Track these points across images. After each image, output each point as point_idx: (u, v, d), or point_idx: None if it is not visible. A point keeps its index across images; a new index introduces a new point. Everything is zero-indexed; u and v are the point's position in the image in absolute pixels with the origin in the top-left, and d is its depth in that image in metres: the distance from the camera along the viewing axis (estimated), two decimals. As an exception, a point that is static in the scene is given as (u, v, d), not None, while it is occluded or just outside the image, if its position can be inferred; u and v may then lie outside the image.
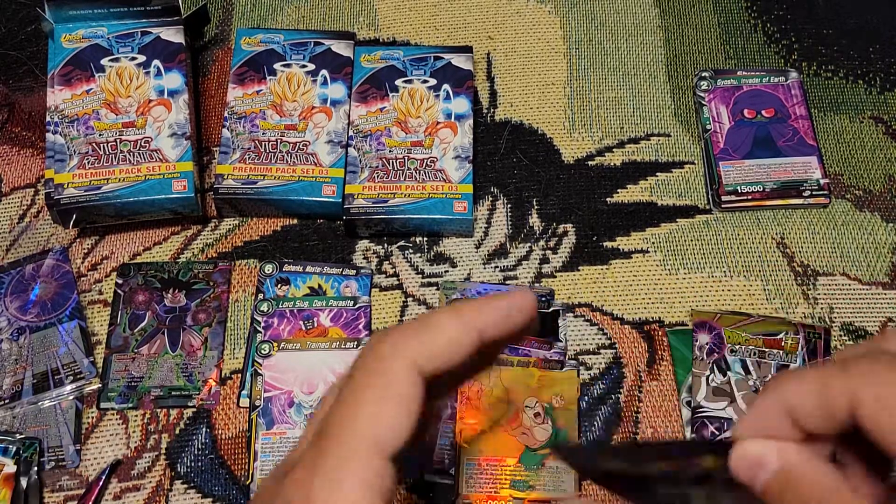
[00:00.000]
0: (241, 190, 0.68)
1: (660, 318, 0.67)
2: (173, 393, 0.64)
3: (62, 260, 0.68)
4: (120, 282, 0.68)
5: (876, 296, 0.68)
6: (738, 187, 0.70)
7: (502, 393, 0.63)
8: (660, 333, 0.66)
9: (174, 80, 0.70)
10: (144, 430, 0.63)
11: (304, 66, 0.73)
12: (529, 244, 0.70)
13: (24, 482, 0.59)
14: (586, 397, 0.64)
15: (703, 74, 0.75)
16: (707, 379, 0.63)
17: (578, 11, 0.81)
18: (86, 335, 0.65)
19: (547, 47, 0.79)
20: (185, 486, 0.61)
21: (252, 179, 0.68)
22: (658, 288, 0.68)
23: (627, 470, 0.30)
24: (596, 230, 0.71)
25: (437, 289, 0.68)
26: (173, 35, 0.71)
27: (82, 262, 0.69)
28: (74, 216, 0.66)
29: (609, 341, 0.66)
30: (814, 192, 0.70)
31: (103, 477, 0.61)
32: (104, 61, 0.70)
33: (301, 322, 0.66)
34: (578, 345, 0.66)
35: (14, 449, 0.59)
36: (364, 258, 0.69)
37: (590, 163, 0.74)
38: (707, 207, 0.72)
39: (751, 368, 0.63)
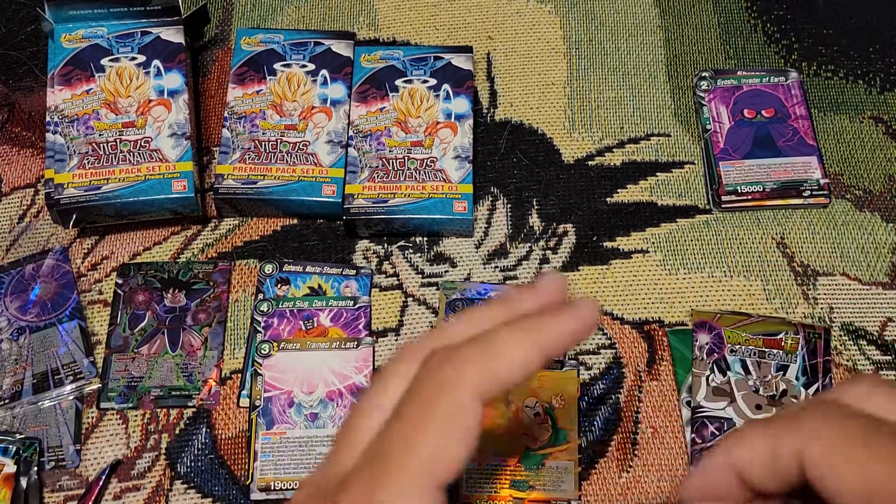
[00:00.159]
0: (241, 190, 0.68)
1: (660, 318, 0.67)
2: (173, 393, 0.64)
3: (62, 260, 0.68)
4: (120, 282, 0.68)
5: (876, 296, 0.68)
6: (738, 187, 0.70)
7: (502, 393, 0.63)
8: (660, 333, 0.66)
9: (174, 80, 0.70)
10: (144, 430, 0.63)
11: (304, 66, 0.73)
12: (529, 244, 0.70)
13: (24, 482, 0.59)
14: (586, 397, 0.64)
15: (703, 74, 0.75)
16: (707, 379, 0.63)
17: (578, 11, 0.81)
18: (86, 335, 0.65)
19: (547, 47, 0.79)
20: (185, 486, 0.61)
21: (252, 179, 0.68)
22: (658, 288, 0.68)
23: None
24: (596, 230, 0.71)
25: (437, 289, 0.68)
26: (173, 35, 0.71)
27: (82, 262, 0.69)
28: (74, 216, 0.66)
29: (609, 341, 0.66)
30: (814, 192, 0.70)
31: (103, 477, 0.61)
32: (104, 61, 0.70)
33: (301, 322, 0.66)
34: (578, 345, 0.66)
35: (14, 449, 0.59)
36: (364, 258, 0.69)
37: (590, 163, 0.74)
38: (707, 207, 0.72)
39: (751, 368, 0.63)
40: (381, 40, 0.79)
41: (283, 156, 0.69)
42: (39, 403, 0.63)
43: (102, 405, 0.63)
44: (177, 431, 0.63)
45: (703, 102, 0.74)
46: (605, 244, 0.70)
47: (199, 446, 0.63)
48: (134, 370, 0.64)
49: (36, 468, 0.60)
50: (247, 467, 0.61)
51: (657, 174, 0.73)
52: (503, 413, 0.62)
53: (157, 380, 0.64)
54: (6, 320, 0.66)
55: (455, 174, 0.69)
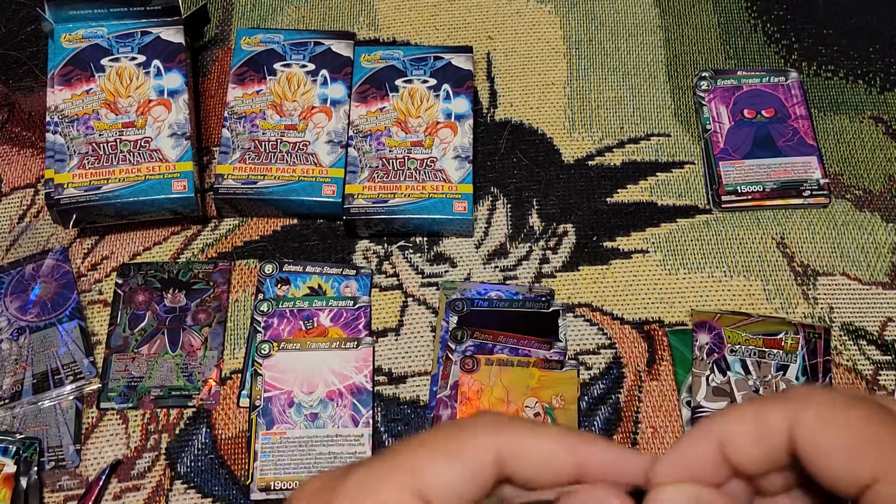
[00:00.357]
0: (241, 190, 0.68)
1: (660, 318, 0.67)
2: (173, 393, 0.64)
3: (62, 260, 0.68)
4: (120, 282, 0.68)
5: (876, 296, 0.68)
6: (738, 187, 0.70)
7: (502, 393, 0.63)
8: (660, 333, 0.66)
9: (174, 80, 0.70)
10: (144, 430, 0.63)
11: (304, 66, 0.73)
12: (529, 244, 0.70)
13: (24, 482, 0.59)
14: (586, 397, 0.64)
15: (703, 74, 0.75)
16: (707, 379, 0.63)
17: (578, 11, 0.81)
18: (86, 335, 0.65)
19: (547, 47, 0.79)
20: (185, 486, 0.61)
21: (252, 179, 0.68)
22: (658, 288, 0.68)
23: None
24: (596, 230, 0.71)
25: (437, 289, 0.68)
26: (173, 35, 0.71)
27: (82, 262, 0.69)
28: (74, 216, 0.66)
29: (609, 341, 0.66)
30: (814, 192, 0.70)
31: (103, 477, 0.61)
32: (104, 61, 0.70)
33: (301, 322, 0.66)
34: (578, 345, 0.66)
35: (14, 449, 0.59)
36: (364, 258, 0.69)
37: (590, 163, 0.74)
38: (707, 207, 0.72)
39: (751, 368, 0.63)
40: (381, 40, 0.79)
41: (283, 156, 0.69)
42: (39, 403, 0.63)
43: (102, 405, 0.63)
44: (177, 431, 0.63)
45: (703, 102, 0.74)
46: (605, 244, 0.70)
47: (199, 446, 0.62)
48: (134, 370, 0.64)
49: (36, 468, 0.60)
50: (247, 467, 0.61)
51: (657, 174, 0.73)
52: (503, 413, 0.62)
53: (157, 380, 0.64)
54: (6, 320, 0.66)
55: (455, 174, 0.69)
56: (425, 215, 0.67)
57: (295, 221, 0.71)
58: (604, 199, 0.72)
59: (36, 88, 0.76)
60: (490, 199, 0.72)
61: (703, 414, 0.62)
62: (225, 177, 0.68)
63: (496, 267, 0.69)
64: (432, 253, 0.70)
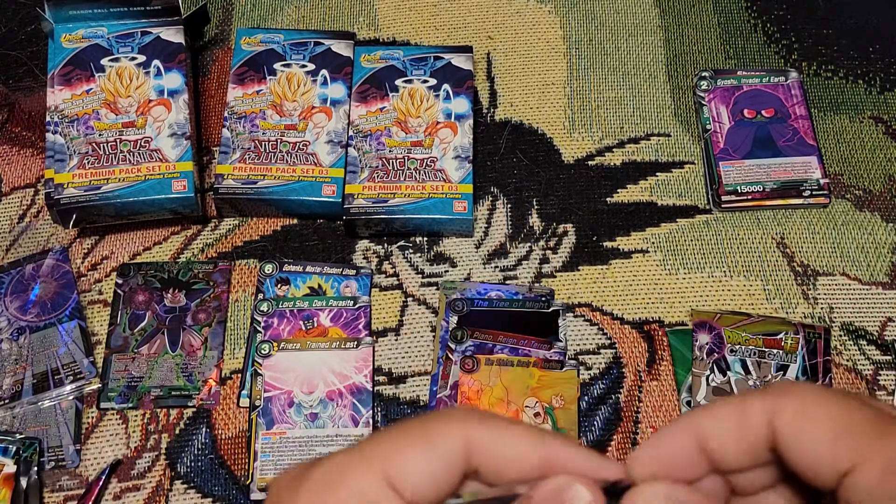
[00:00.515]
0: (241, 190, 0.68)
1: (660, 318, 0.67)
2: (173, 393, 0.64)
3: (62, 260, 0.68)
4: (120, 282, 0.68)
5: (876, 296, 0.68)
6: (738, 187, 0.70)
7: (502, 393, 0.63)
8: (660, 333, 0.66)
9: (174, 80, 0.70)
10: (144, 430, 0.63)
11: (304, 66, 0.73)
12: (529, 244, 0.70)
13: (24, 482, 0.59)
14: (586, 397, 0.64)
15: (703, 74, 0.75)
16: (707, 379, 0.63)
17: (578, 11, 0.81)
18: (86, 335, 0.65)
19: (547, 47, 0.79)
20: (185, 486, 0.61)
21: (252, 179, 0.68)
22: (658, 288, 0.68)
23: None
24: (596, 230, 0.71)
25: (437, 289, 0.68)
26: (173, 35, 0.71)
27: (82, 262, 0.69)
28: (74, 216, 0.66)
29: (609, 341, 0.66)
30: (814, 192, 0.70)
31: (103, 477, 0.61)
32: (104, 61, 0.70)
33: (301, 322, 0.66)
34: (578, 345, 0.66)
35: (14, 449, 0.59)
36: (364, 258, 0.69)
37: (590, 163, 0.74)
38: (707, 207, 0.72)
39: (751, 368, 0.63)
40: (381, 40, 0.79)
41: (283, 156, 0.69)
42: (39, 403, 0.63)
43: (102, 405, 0.63)
44: (177, 431, 0.63)
45: (703, 102, 0.74)
46: (605, 244, 0.70)
47: (199, 446, 0.62)
48: (134, 370, 0.64)
49: (36, 468, 0.60)
50: (247, 467, 0.61)
51: (657, 174, 0.73)
52: (503, 413, 0.62)
53: (157, 380, 0.64)
54: (6, 320, 0.66)
55: (455, 174, 0.69)
56: (425, 215, 0.67)
57: (295, 221, 0.71)
58: (604, 199, 0.72)
59: (36, 88, 0.76)
60: (490, 199, 0.72)
61: (703, 414, 0.62)
62: (225, 177, 0.68)
63: (496, 267, 0.69)
64: (432, 253, 0.70)
